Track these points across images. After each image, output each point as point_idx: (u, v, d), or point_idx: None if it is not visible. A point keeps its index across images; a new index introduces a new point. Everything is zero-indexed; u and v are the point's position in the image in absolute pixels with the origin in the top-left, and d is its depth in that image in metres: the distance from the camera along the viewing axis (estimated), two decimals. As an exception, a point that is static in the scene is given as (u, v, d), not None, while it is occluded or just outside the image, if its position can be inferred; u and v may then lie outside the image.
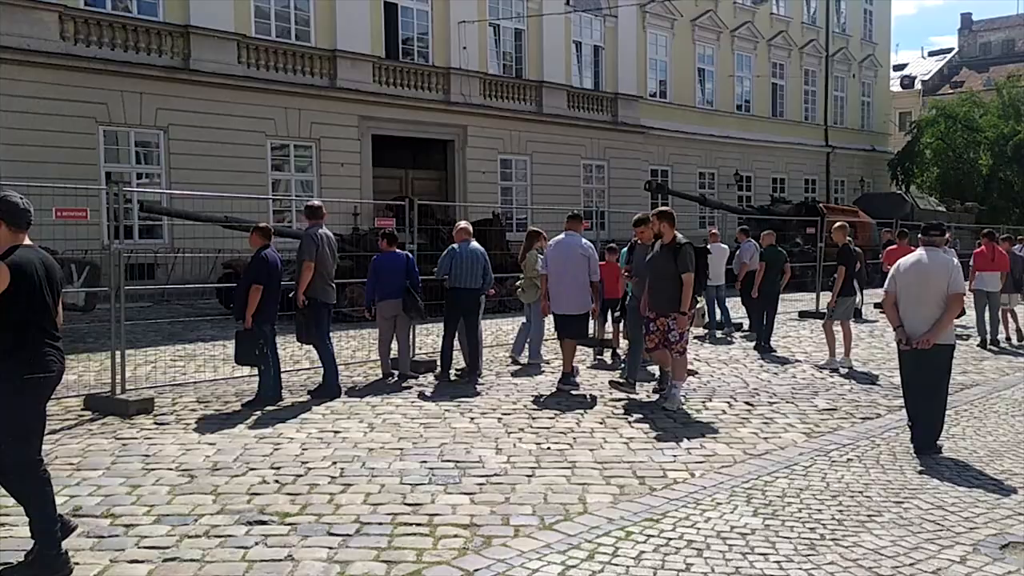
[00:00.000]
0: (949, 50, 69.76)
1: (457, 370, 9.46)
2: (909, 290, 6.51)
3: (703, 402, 8.24)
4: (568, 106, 28.14)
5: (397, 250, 9.43)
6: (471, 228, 9.71)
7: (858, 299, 11.16)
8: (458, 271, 9.19)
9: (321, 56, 22.11)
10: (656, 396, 8.33)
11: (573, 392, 8.60)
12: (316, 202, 8.76)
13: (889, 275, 6.80)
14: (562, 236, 9.06)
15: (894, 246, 14.59)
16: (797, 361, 10.93)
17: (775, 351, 11.64)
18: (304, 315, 8.26)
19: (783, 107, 37.51)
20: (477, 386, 8.92)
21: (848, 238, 10.86)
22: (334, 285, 8.63)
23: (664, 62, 32.28)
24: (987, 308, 12.72)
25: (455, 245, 9.37)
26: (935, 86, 62.75)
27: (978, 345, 12.58)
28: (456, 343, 9.50)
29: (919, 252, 6.70)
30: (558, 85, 27.72)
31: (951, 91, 56.44)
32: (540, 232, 10.64)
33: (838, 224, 11.16)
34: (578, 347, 9.33)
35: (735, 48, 34.84)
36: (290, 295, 8.42)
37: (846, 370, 10.22)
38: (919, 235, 7.03)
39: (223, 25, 20.18)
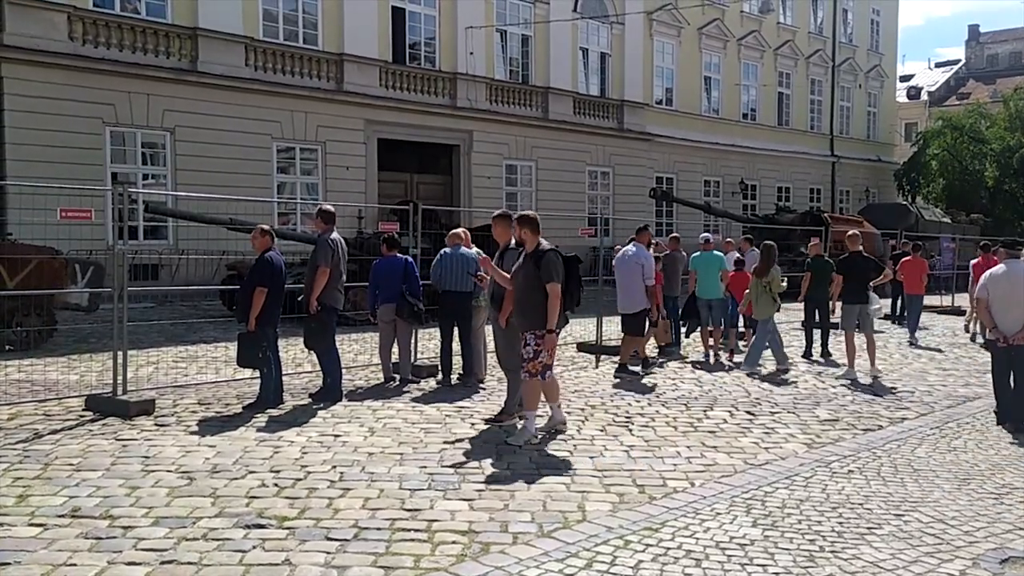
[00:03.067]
0: (956, 61, 69.70)
1: (459, 375, 9.46)
2: (1001, 296, 7.71)
3: (704, 411, 8.22)
4: (574, 112, 28.18)
5: (397, 254, 9.43)
6: (463, 234, 9.65)
7: (876, 307, 11.43)
8: (446, 274, 9.20)
9: (328, 60, 22.17)
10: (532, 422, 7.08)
11: (631, 376, 9.88)
12: (330, 207, 8.71)
13: (980, 283, 8.06)
14: (630, 246, 10.43)
15: (908, 257, 14.82)
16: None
17: (832, 355, 11.87)
18: (315, 320, 8.26)
19: (789, 116, 37.51)
20: (478, 392, 8.91)
21: (859, 247, 11.02)
22: (343, 290, 8.64)
23: (670, 70, 32.32)
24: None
25: (445, 249, 9.39)
26: (941, 97, 62.68)
27: (981, 346, 13.19)
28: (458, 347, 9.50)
29: (1004, 264, 7.98)
30: (564, 91, 27.76)
31: (957, 103, 56.38)
32: (773, 245, 11.16)
33: (851, 233, 11.40)
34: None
35: (741, 57, 34.88)
36: (299, 299, 8.43)
37: (848, 381, 10.12)
38: (1000, 247, 8.80)
39: (231, 27, 20.25)
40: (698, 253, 12.08)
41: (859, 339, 10.72)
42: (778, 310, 10.90)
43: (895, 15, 43.79)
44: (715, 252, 12.11)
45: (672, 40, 32.12)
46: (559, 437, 7.00)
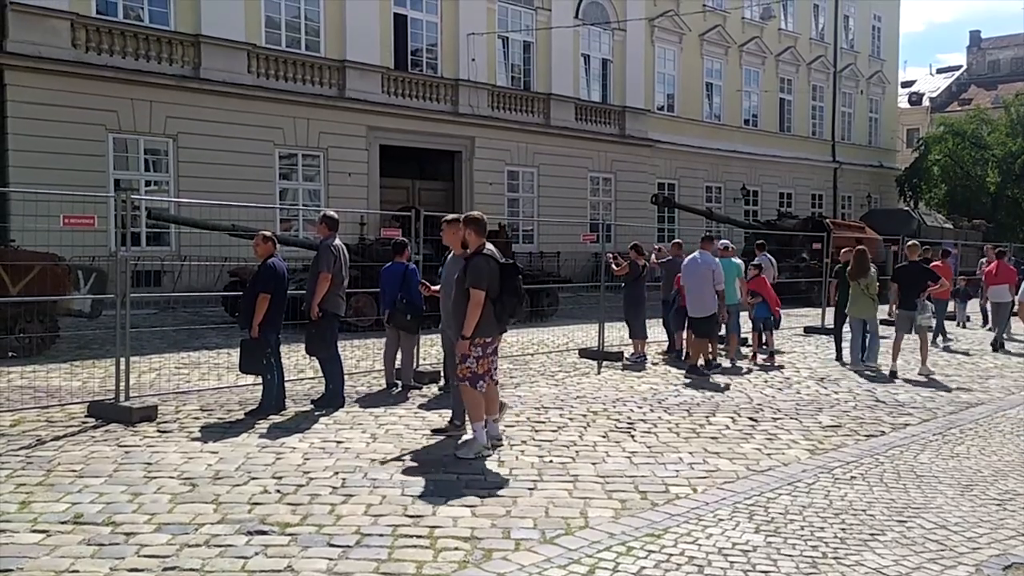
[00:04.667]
0: (957, 67, 69.80)
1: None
2: None
3: (706, 417, 8.21)
4: (576, 119, 28.23)
5: (402, 261, 9.41)
6: None
7: (928, 314, 12.00)
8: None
9: (330, 66, 22.24)
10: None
11: (700, 377, 10.38)
12: (334, 213, 8.71)
13: (1022, 288, 9.51)
14: (696, 254, 10.93)
15: (938, 263, 15.41)
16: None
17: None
18: (316, 327, 8.26)
19: (790, 122, 37.56)
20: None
21: (918, 256, 11.82)
22: (344, 296, 8.65)
23: (672, 76, 32.38)
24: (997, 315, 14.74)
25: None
26: (943, 103, 62.76)
27: (991, 345, 14.17)
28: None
29: None
30: (566, 98, 27.82)
31: (959, 108, 56.43)
32: (866, 250, 11.77)
33: (911, 243, 12.08)
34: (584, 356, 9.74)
35: (743, 63, 34.94)
36: (302, 307, 8.43)
37: (888, 374, 10.87)
38: None
39: (234, 34, 20.32)
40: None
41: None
42: (876, 310, 11.71)
43: (896, 21, 43.86)
44: (734, 260, 12.34)
45: (674, 46, 32.19)
46: (560, 443, 7.00)
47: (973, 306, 18.58)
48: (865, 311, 11.52)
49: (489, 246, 6.61)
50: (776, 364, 11.71)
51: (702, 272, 10.70)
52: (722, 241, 12.67)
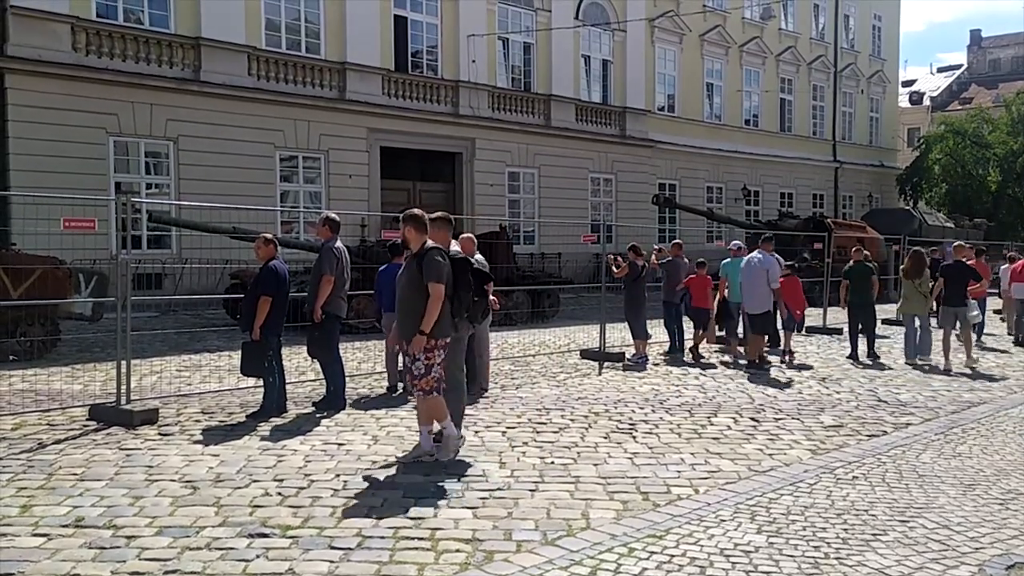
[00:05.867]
0: (958, 66, 69.76)
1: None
2: None
3: (708, 417, 8.21)
4: (576, 119, 28.23)
5: (401, 263, 9.39)
6: (469, 240, 9.61)
7: (974, 313, 12.31)
8: None
9: (331, 68, 22.24)
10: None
11: (761, 372, 11.04)
12: (335, 215, 8.70)
13: None
14: (756, 253, 11.69)
15: (972, 262, 15.57)
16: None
17: (879, 357, 12.54)
18: (318, 329, 8.26)
19: (791, 122, 37.54)
20: (481, 400, 8.90)
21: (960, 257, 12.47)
22: (346, 298, 8.65)
23: (672, 76, 32.38)
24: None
25: None
26: (944, 102, 62.71)
27: (1014, 344, 14.76)
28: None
29: None
30: (566, 99, 27.82)
31: (960, 107, 56.41)
32: (922, 251, 12.45)
33: (957, 243, 12.90)
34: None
35: (743, 63, 34.93)
36: (304, 308, 8.43)
37: (945, 374, 11.20)
38: None
39: (234, 37, 20.33)
40: (728, 260, 12.90)
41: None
42: (930, 308, 12.34)
43: (896, 20, 43.85)
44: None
45: (674, 47, 32.19)
46: (561, 444, 6.99)
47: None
48: (917, 307, 12.16)
49: (430, 242, 6.37)
50: (794, 363, 11.84)
51: (757, 271, 11.43)
52: (735, 242, 12.91)
